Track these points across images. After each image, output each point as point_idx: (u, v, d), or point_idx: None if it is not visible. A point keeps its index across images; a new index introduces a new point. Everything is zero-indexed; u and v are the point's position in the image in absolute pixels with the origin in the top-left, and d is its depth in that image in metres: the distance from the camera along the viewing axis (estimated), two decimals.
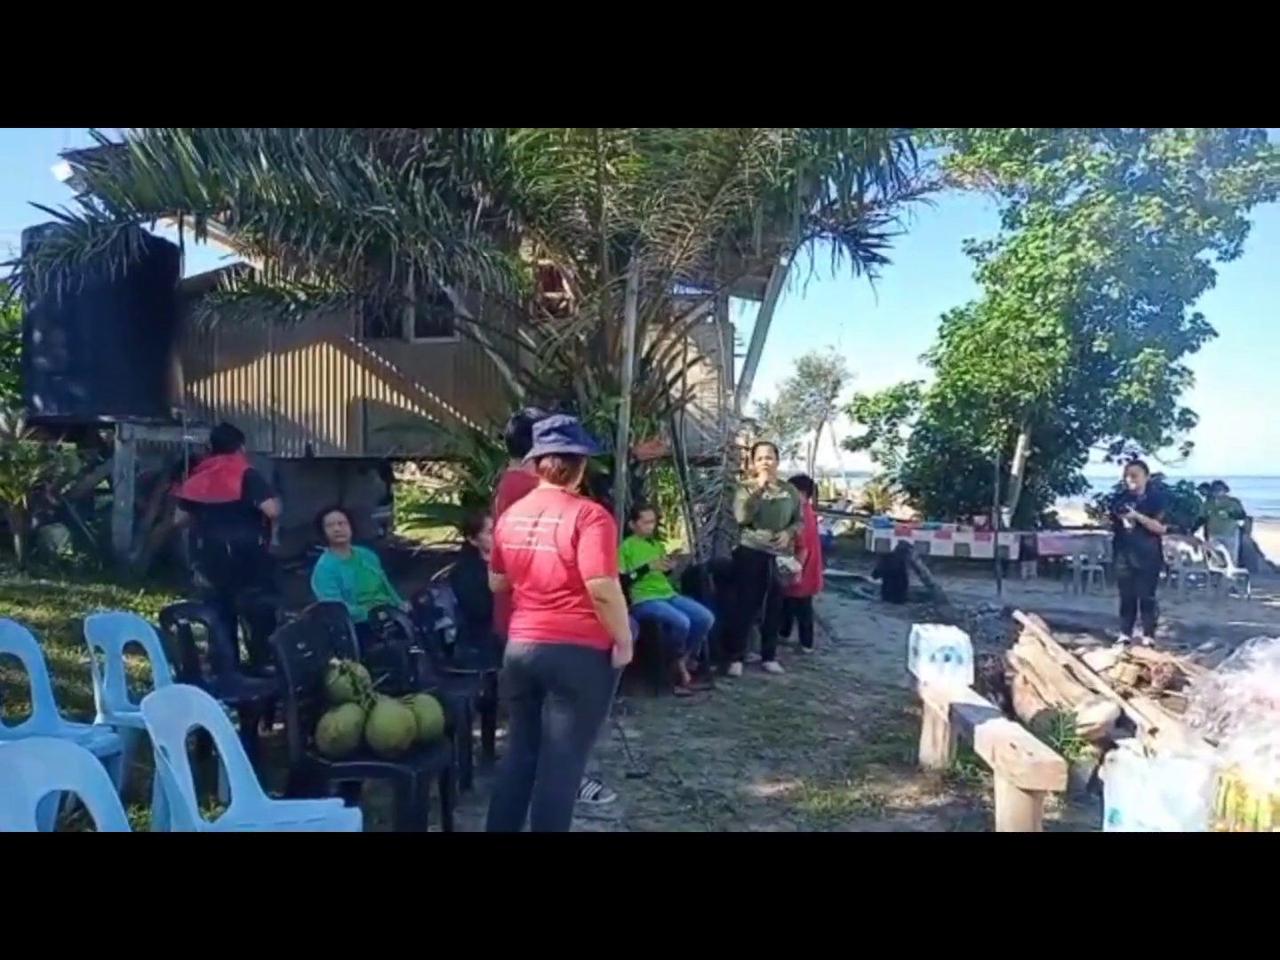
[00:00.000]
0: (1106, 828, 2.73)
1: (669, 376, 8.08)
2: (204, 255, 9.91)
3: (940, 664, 4.71)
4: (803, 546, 7.26)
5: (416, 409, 10.38)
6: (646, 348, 7.86)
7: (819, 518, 11.99)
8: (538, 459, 3.35)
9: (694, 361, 8.65)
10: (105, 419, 8.71)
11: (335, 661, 3.45)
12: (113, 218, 6.09)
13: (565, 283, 8.09)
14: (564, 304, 8.11)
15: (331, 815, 2.88)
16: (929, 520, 17.47)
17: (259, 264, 9.04)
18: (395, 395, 10.51)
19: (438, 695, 3.74)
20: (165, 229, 7.75)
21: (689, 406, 9.03)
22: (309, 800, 3.04)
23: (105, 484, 9.40)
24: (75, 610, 7.13)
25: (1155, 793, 2.31)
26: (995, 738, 3.71)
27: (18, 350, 9.80)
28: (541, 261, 8.45)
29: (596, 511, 3.23)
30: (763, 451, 7.16)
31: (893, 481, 20.58)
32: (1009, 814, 3.53)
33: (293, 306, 8.32)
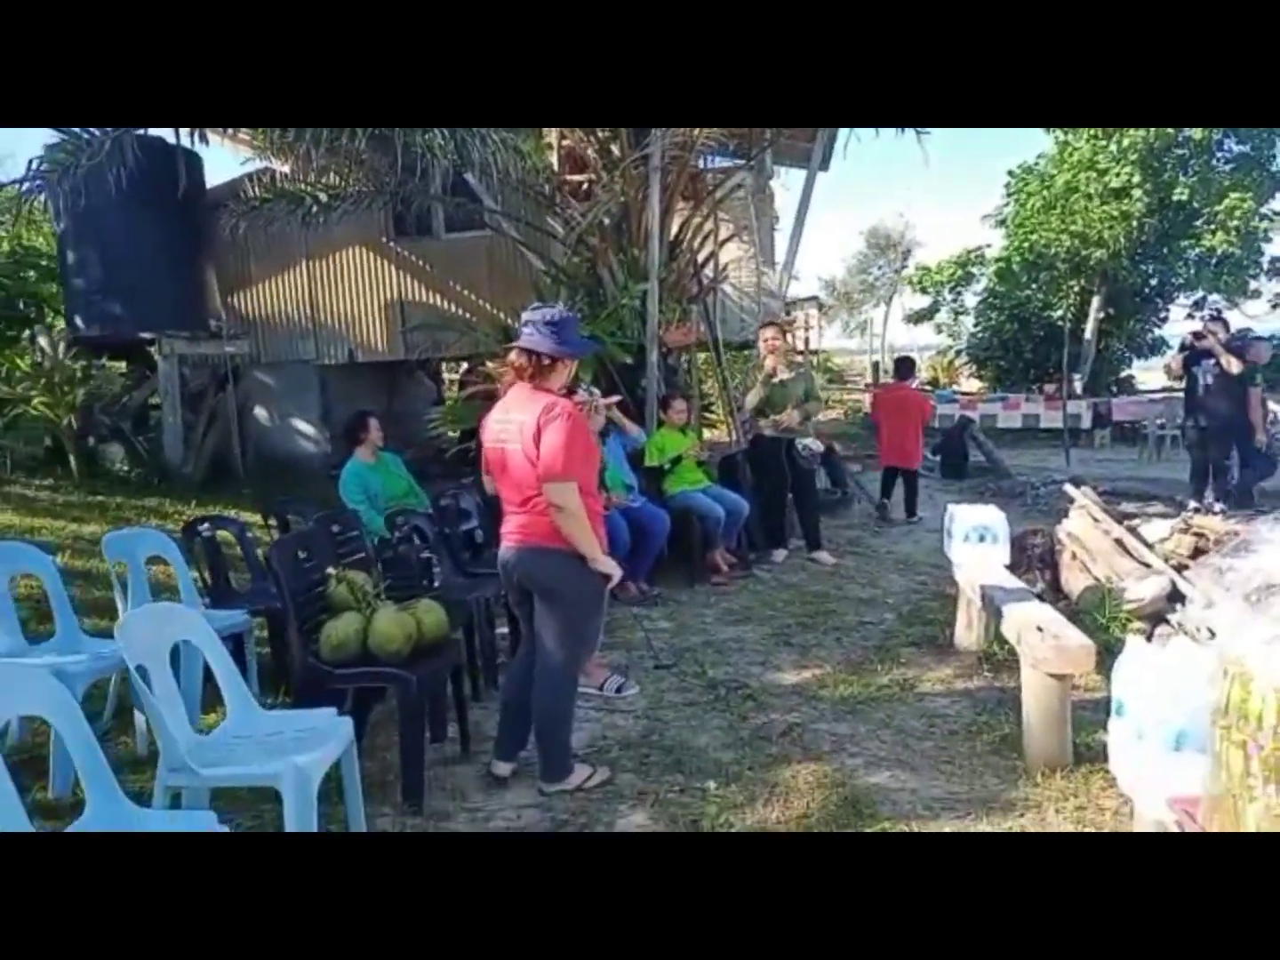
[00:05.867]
0: (1112, 721, 2.57)
1: (701, 258, 7.71)
2: (229, 162, 9.71)
3: (974, 544, 4.51)
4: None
5: (452, 307, 10.21)
6: (676, 228, 7.50)
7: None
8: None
9: (727, 240, 8.23)
10: (145, 335, 8.79)
11: (331, 571, 3.43)
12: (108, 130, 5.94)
13: (589, 165, 7.72)
14: (587, 188, 7.76)
15: (324, 724, 2.89)
16: (997, 391, 16.83)
17: (283, 166, 8.84)
18: (431, 294, 10.35)
19: (440, 598, 3.70)
20: (187, 139, 7.61)
21: (727, 288, 8.67)
22: (302, 710, 3.05)
23: (156, 400, 9.60)
24: (130, 524, 7.36)
25: (1161, 684, 2.12)
26: (1022, 620, 3.53)
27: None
28: (564, 143, 8.07)
29: (560, 407, 3.06)
30: (767, 333, 6.68)
31: (959, 354, 19.80)
32: (1033, 700, 3.38)
33: (315, 208, 8.14)
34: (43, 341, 8.17)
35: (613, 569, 3.24)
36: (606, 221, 7.05)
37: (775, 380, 6.46)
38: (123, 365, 10.41)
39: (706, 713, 4.09)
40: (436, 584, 4.40)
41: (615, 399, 6.12)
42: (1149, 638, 4.49)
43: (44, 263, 10.41)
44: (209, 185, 9.69)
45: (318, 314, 10.63)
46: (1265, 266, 15.37)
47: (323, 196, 8.17)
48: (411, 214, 9.31)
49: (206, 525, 4.83)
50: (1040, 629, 3.36)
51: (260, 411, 10.89)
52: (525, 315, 3.23)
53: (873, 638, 5.05)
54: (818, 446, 6.66)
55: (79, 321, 8.92)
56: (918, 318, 19.74)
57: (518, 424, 3.11)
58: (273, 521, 5.66)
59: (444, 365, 14.84)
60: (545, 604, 3.22)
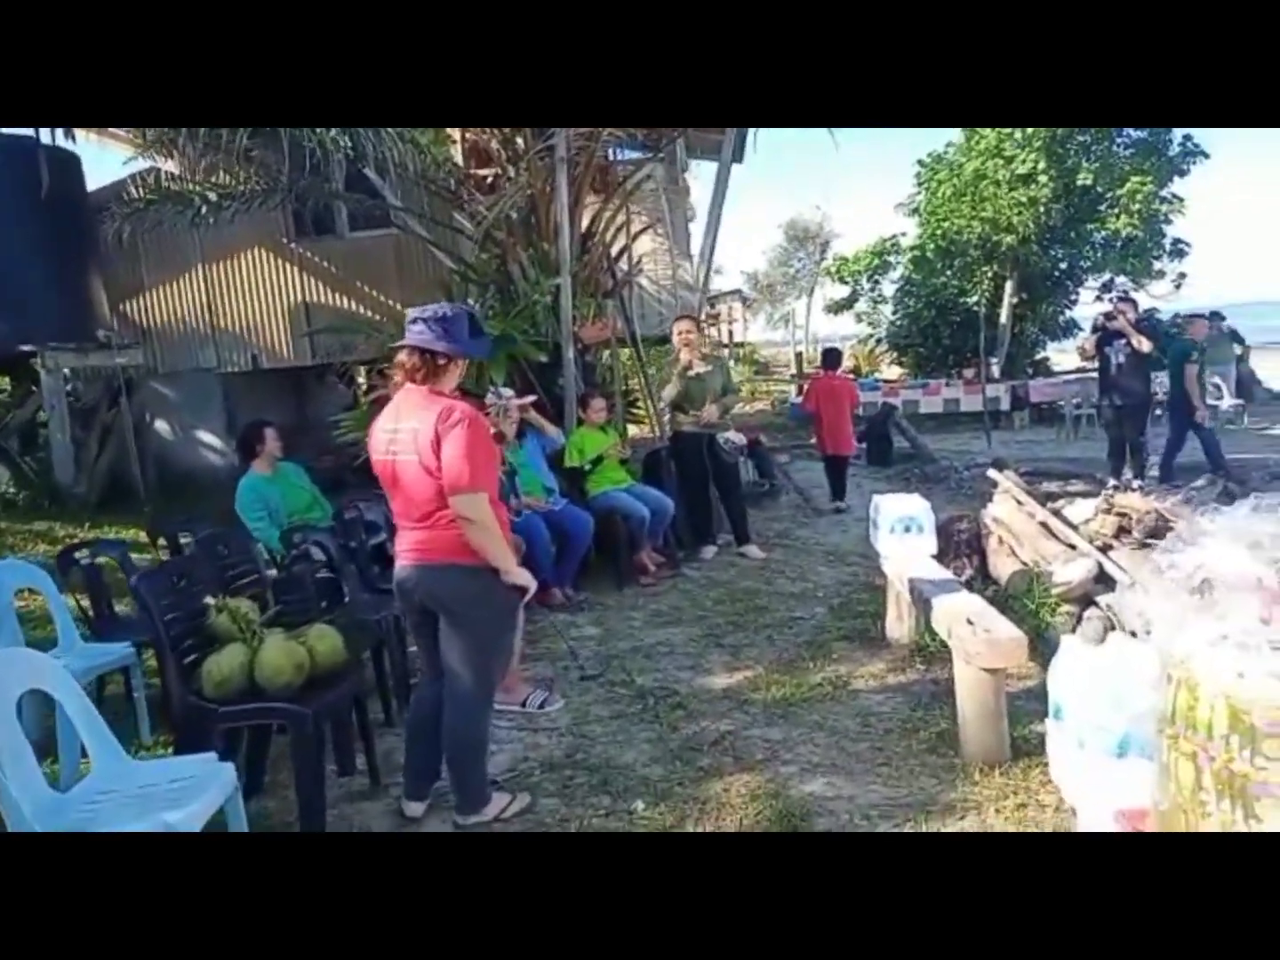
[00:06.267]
0: (1050, 724, 2.44)
1: (614, 251, 7.48)
2: (111, 163, 9.15)
3: (900, 535, 4.39)
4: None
5: (360, 308, 9.82)
6: (587, 221, 7.26)
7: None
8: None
9: (640, 233, 8.02)
10: (26, 349, 8.20)
11: (210, 600, 3.11)
12: None
13: (493, 158, 7.43)
14: (493, 182, 7.47)
15: (202, 772, 2.59)
16: (917, 378, 16.99)
17: (170, 165, 8.34)
18: (337, 296, 9.94)
19: (343, 619, 3.43)
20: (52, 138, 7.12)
21: (644, 282, 8.48)
22: (178, 757, 2.75)
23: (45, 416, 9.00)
24: (14, 552, 6.85)
25: (1100, 686, 1.98)
26: (951, 613, 3.40)
27: None
28: (468, 137, 7.76)
29: (460, 411, 2.81)
30: (681, 326, 6.50)
31: (879, 342, 19.97)
32: (967, 695, 3.25)
33: (204, 209, 7.69)
34: None
35: (527, 580, 3.01)
36: (514, 216, 6.77)
37: (691, 374, 6.28)
38: (3, 381, 9.77)
39: (635, 725, 3.88)
40: (345, 602, 4.11)
41: (530, 399, 5.87)
42: (1078, 620, 4.43)
43: None
44: (93, 188, 9.12)
45: (217, 320, 10.13)
46: (1167, 248, 15.77)
47: (212, 196, 7.73)
48: (309, 212, 8.90)
49: (85, 551, 4.46)
50: (970, 622, 3.23)
51: (161, 425, 10.34)
52: (412, 313, 2.98)
53: (804, 634, 4.90)
54: (740, 439, 6.50)
55: None
56: (838, 308, 19.83)
57: (410, 432, 2.84)
58: (163, 543, 5.26)
59: (360, 370, 14.37)
60: (451, 624, 2.96)
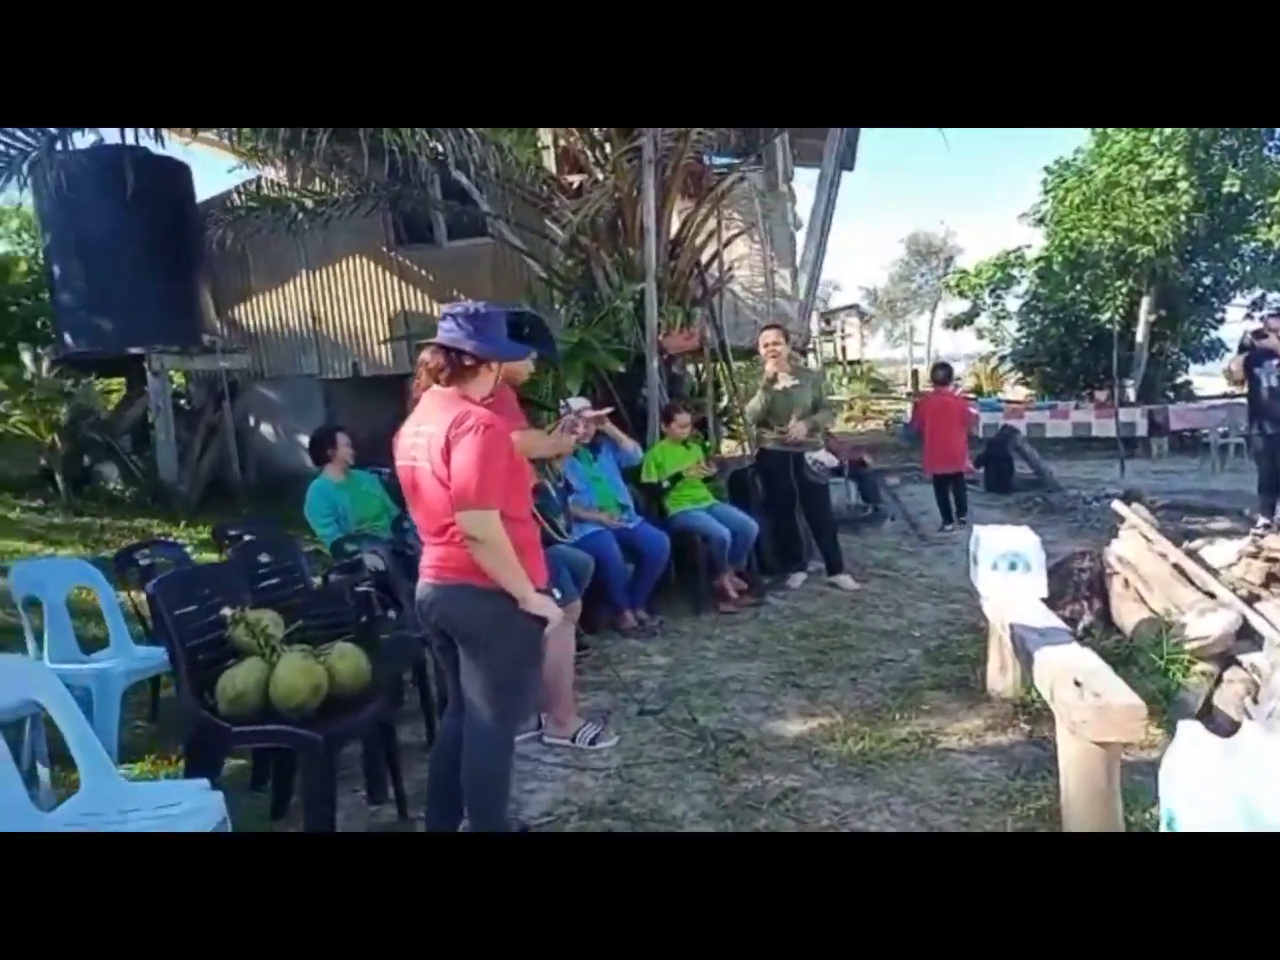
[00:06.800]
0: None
1: (705, 258, 7.13)
2: (221, 172, 9.39)
3: (1004, 572, 3.86)
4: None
5: None
6: (676, 227, 6.94)
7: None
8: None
9: (733, 238, 7.61)
10: (134, 351, 8.44)
11: (227, 611, 2.91)
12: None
13: (584, 164, 7.21)
14: (579, 187, 7.24)
15: (189, 799, 2.36)
16: (1044, 399, 15.98)
17: (272, 173, 8.46)
18: (434, 304, 9.89)
19: (373, 638, 3.19)
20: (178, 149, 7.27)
21: (737, 290, 8.08)
22: (168, 782, 2.54)
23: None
24: (108, 547, 6.97)
25: (1227, 799, 1.51)
26: (1056, 670, 2.88)
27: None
28: (560, 144, 7.57)
29: (474, 418, 2.50)
30: (768, 336, 5.98)
31: (1002, 360, 18.91)
32: (1072, 770, 2.74)
33: (300, 215, 7.74)
34: (26, 358, 7.85)
35: (549, 610, 2.68)
36: (600, 221, 6.51)
37: (777, 387, 5.84)
38: (113, 382, 10.13)
39: (690, 771, 3.50)
40: (388, 618, 3.87)
41: (607, 411, 5.57)
42: (1217, 682, 3.82)
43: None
44: (203, 198, 9.37)
45: (320, 327, 10.26)
46: None
47: (308, 203, 7.77)
48: (401, 219, 8.88)
49: (145, 552, 4.38)
50: (1078, 683, 2.72)
51: (265, 428, 10.53)
52: (444, 309, 2.70)
53: (893, 679, 4.41)
54: (830, 460, 6.03)
55: (67, 338, 8.61)
56: (957, 323, 18.88)
57: (427, 437, 2.56)
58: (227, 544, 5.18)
59: None
60: (469, 653, 2.66)
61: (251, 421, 10.40)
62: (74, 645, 3.74)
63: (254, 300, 10.28)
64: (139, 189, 7.69)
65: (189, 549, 5.82)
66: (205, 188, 9.66)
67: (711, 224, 6.92)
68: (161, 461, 8.69)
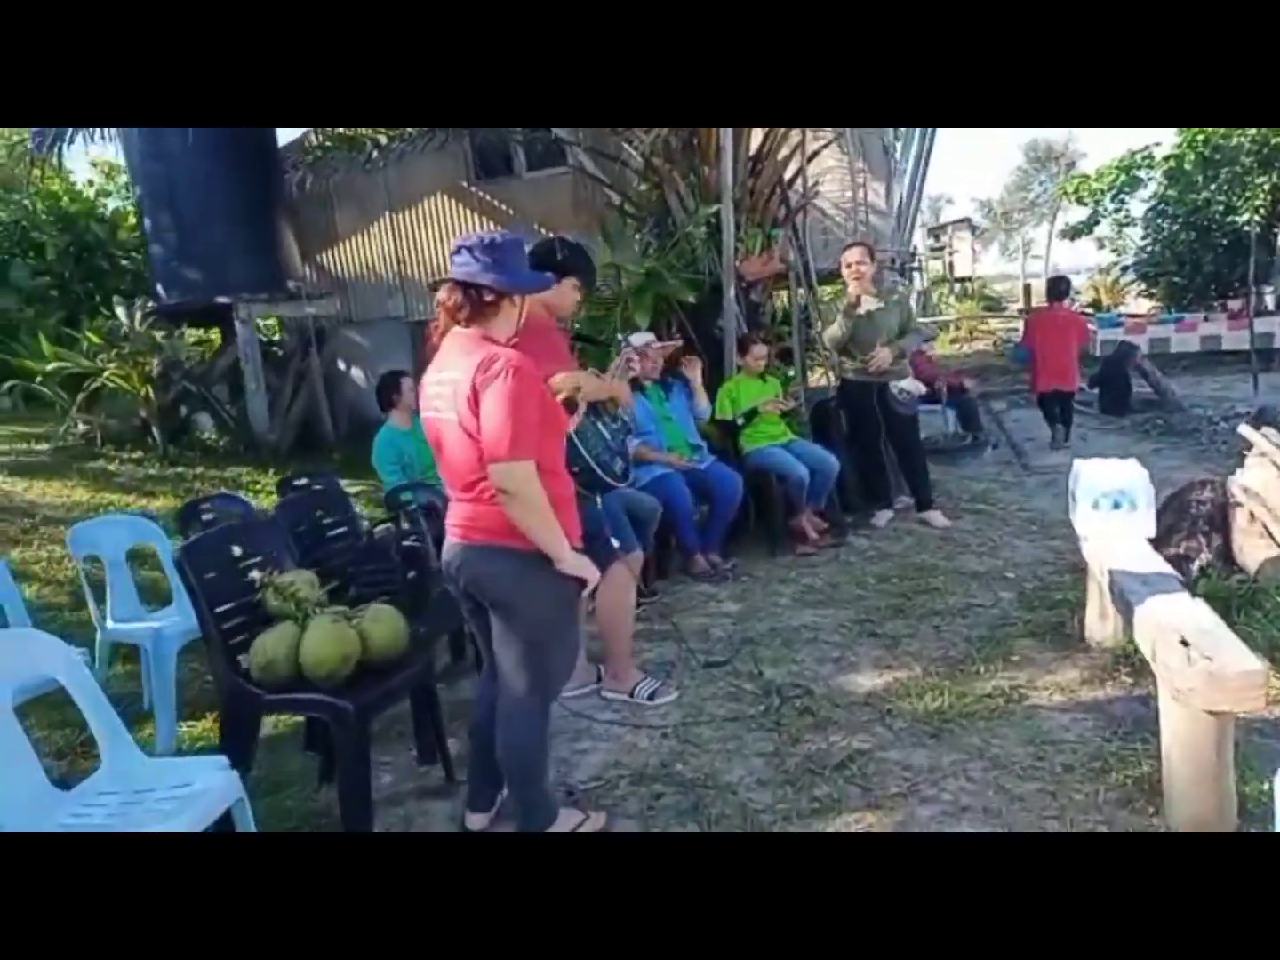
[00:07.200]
0: None
1: (789, 174, 6.65)
2: None
3: (1106, 512, 3.47)
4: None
5: None
6: (758, 141, 6.49)
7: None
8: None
9: (819, 150, 7.08)
10: (222, 300, 8.55)
11: (257, 574, 2.82)
12: None
13: None
14: None
15: (204, 777, 2.29)
16: (1170, 312, 14.75)
17: None
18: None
19: (419, 595, 3.07)
20: None
21: (824, 207, 7.56)
22: (186, 759, 2.49)
23: None
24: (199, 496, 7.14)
25: None
26: (1159, 627, 2.53)
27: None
28: None
29: (503, 361, 2.27)
30: (851, 256, 5.44)
31: (1124, 270, 17.51)
32: (1176, 741, 2.41)
33: (374, 153, 7.61)
34: (120, 312, 8.05)
35: (587, 571, 2.48)
36: (674, 141, 6.12)
37: (860, 312, 5.40)
38: (203, 333, 10.34)
39: (751, 731, 3.30)
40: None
41: (675, 343, 5.30)
42: None
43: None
44: (284, 142, 9.36)
45: (404, 268, 10.20)
46: None
47: (383, 139, 7.62)
48: (478, 154, 8.63)
49: (207, 505, 4.39)
50: (1185, 643, 2.37)
51: (356, 372, 10.61)
52: (456, 241, 2.47)
53: (981, 626, 4.08)
54: (918, 389, 5.60)
55: (160, 289, 8.80)
56: (1074, 233, 17.50)
57: (451, 384, 2.36)
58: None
59: None
60: (500, 618, 2.49)
61: (341, 367, 10.50)
62: (135, 603, 3.77)
63: (339, 244, 10.28)
64: (218, 137, 7.72)
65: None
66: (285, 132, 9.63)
67: (796, 136, 6.43)
68: (253, 410, 8.85)
